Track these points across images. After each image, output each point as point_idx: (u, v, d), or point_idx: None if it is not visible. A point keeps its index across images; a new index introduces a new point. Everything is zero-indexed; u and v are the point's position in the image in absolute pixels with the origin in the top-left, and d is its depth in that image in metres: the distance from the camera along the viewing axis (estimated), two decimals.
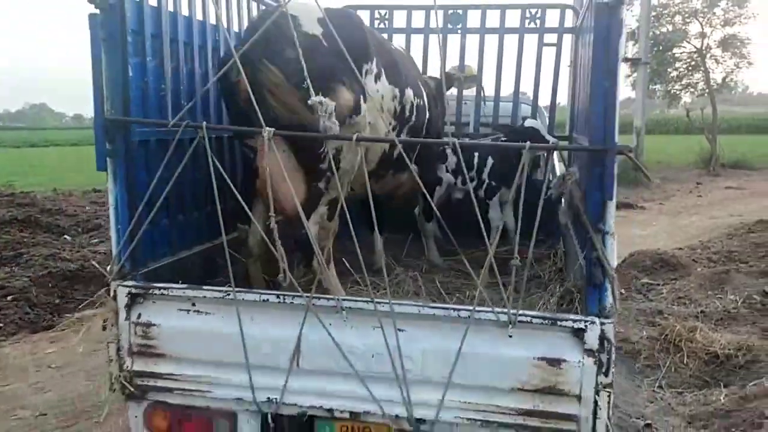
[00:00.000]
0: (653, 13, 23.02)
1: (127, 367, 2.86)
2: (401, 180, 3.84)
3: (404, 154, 3.01)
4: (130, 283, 2.86)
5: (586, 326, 2.54)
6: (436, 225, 4.78)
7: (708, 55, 24.92)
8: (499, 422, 2.62)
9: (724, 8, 23.97)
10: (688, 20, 24.80)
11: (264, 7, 4.30)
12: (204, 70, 3.79)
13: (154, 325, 2.83)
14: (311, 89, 2.72)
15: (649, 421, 4.61)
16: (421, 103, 4.04)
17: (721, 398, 4.72)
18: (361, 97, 3.20)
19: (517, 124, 5.35)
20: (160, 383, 2.86)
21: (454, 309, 2.65)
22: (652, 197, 17.84)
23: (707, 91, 25.57)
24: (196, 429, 2.95)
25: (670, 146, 32.09)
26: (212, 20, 3.80)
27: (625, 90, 25.15)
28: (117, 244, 2.90)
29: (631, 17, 23.75)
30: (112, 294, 2.84)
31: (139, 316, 2.84)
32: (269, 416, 2.79)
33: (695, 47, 25.04)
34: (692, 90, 26.65)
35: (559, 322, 2.57)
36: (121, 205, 2.90)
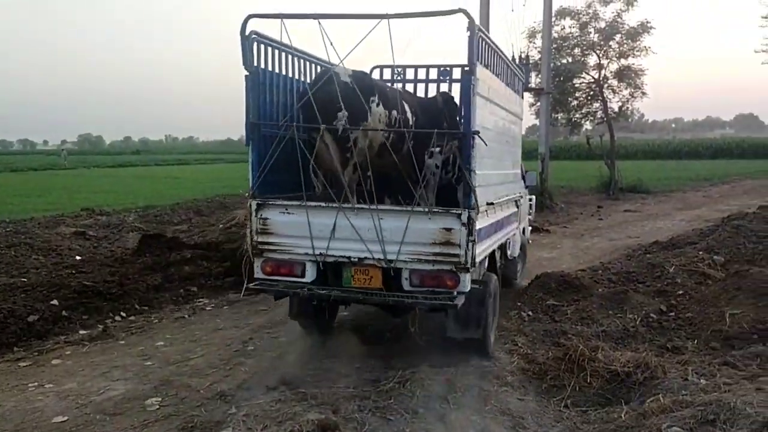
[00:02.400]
0: (554, 46, 24.15)
1: (255, 240, 6.03)
2: (393, 159, 6.24)
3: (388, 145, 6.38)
4: (257, 200, 6.01)
5: (461, 212, 5.58)
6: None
7: (605, 86, 26.32)
8: (424, 259, 5.67)
9: (618, 41, 25.42)
10: (586, 52, 26.12)
11: (320, 67, 7.12)
12: (292, 103, 6.73)
13: (268, 218, 6.01)
14: (342, 106, 5.99)
15: None
16: (404, 117, 6.80)
17: (622, 415, 4.89)
18: (369, 111, 6.29)
19: None
20: (269, 248, 6.04)
21: (405, 207, 5.87)
22: (556, 221, 18.56)
23: (605, 119, 26.97)
24: (285, 271, 6.06)
25: (573, 171, 33.61)
26: (296, 76, 7.01)
27: (529, 118, 26.17)
28: (252, 183, 6.08)
29: (534, 49, 24.99)
30: (248, 205, 6.08)
31: (261, 215, 6.01)
32: (320, 264, 5.93)
33: (593, 78, 26.40)
34: (592, 118, 28.01)
35: (450, 211, 5.66)
36: (254, 165, 6.10)
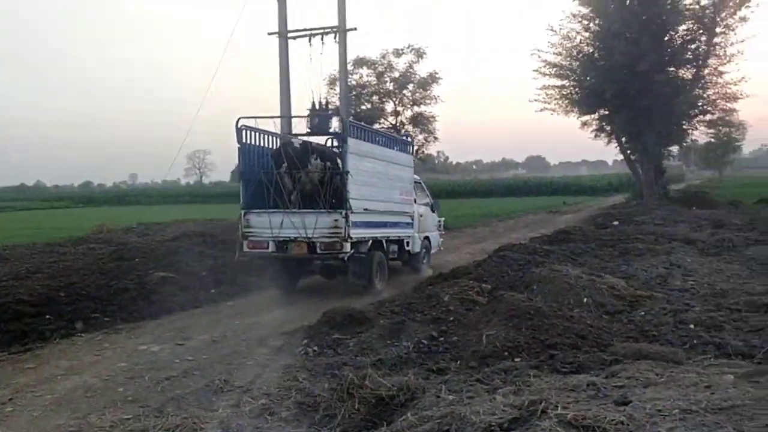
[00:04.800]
0: (353, 93, 25.43)
1: (243, 230, 12.49)
2: (313, 187, 12.40)
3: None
4: (245, 211, 12.51)
5: (342, 211, 11.89)
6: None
7: (402, 131, 28.11)
8: (326, 236, 11.97)
9: (411, 90, 27.44)
10: (384, 100, 27.91)
11: (281, 139, 13.57)
12: (265, 163, 12.94)
13: (249, 219, 12.46)
14: (286, 160, 12.39)
15: None
16: (329, 164, 12.35)
17: None
18: (310, 163, 12.40)
19: None
20: (250, 234, 12.46)
21: (315, 210, 12.17)
22: None
23: None
24: (258, 247, 12.44)
25: None
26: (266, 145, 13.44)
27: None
28: (242, 202, 12.67)
29: (334, 96, 26.04)
30: (240, 213, 12.62)
31: (247, 218, 12.48)
32: (276, 242, 12.21)
33: (392, 123, 28.14)
34: None
35: (336, 210, 12.00)
36: (243, 192, 12.68)
